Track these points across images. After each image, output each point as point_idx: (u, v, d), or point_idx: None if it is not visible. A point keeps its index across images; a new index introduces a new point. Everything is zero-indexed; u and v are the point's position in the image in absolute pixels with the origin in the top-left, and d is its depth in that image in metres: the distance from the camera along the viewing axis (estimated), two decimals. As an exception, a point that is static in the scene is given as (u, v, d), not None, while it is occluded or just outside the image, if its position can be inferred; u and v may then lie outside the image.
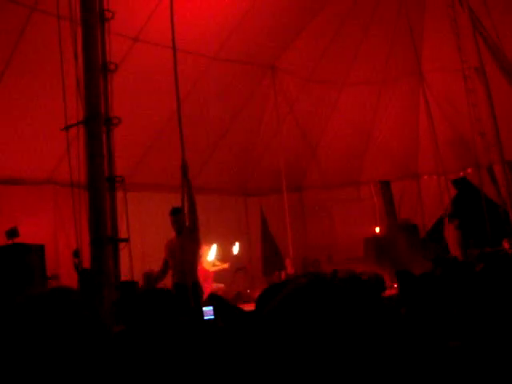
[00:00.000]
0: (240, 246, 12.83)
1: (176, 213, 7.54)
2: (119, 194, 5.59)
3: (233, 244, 12.63)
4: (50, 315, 1.11)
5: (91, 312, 1.18)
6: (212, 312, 3.46)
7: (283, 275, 12.49)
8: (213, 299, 3.77)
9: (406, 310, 3.28)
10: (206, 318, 3.46)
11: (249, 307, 8.17)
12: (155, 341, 2.82)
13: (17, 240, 8.63)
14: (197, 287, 7.37)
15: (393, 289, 9.99)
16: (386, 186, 14.98)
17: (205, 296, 7.89)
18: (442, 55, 13.31)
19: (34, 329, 1.08)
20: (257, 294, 10.13)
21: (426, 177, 15.40)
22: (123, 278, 6.43)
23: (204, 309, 3.48)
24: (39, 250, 8.77)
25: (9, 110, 9.20)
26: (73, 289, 1.27)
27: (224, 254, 12.20)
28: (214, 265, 11.42)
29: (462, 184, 14.93)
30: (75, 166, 5.04)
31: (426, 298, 2.99)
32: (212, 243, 11.60)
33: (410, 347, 2.61)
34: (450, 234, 12.62)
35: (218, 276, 11.58)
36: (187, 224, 7.30)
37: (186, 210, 7.06)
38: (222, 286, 11.72)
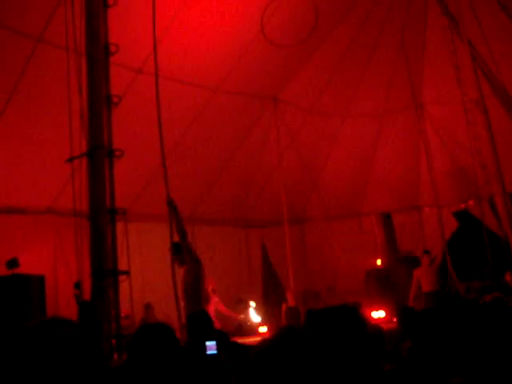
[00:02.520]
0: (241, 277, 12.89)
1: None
2: (120, 225, 5.59)
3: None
4: (42, 346, 1.10)
5: (84, 342, 1.17)
6: (215, 347, 3.41)
7: (284, 307, 12.40)
8: (215, 333, 3.72)
9: (412, 346, 3.25)
10: (208, 352, 3.41)
11: (250, 340, 8.10)
12: (155, 375, 2.79)
13: (17, 270, 8.60)
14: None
15: (392, 323, 9.92)
16: (387, 218, 14.96)
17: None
18: (442, 88, 13.41)
19: (27, 358, 1.07)
20: (258, 326, 10.05)
21: (427, 209, 15.39)
22: (124, 309, 6.40)
23: (206, 343, 3.43)
24: (39, 280, 8.74)
25: (11, 140, 9.24)
26: (66, 319, 1.26)
27: (224, 286, 12.13)
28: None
29: (463, 216, 14.92)
30: (77, 196, 5.05)
31: (430, 334, 2.95)
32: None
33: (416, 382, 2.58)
34: (424, 269, 12.48)
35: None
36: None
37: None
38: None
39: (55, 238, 10.38)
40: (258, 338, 10.35)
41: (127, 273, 5.14)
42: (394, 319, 8.49)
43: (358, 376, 1.03)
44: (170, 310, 11.29)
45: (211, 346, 3.38)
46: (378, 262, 14.69)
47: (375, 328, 5.08)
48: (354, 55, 12.76)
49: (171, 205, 6.89)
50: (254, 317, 12.51)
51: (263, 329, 12.06)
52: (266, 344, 1.08)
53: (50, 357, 1.10)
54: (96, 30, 5.15)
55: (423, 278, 12.24)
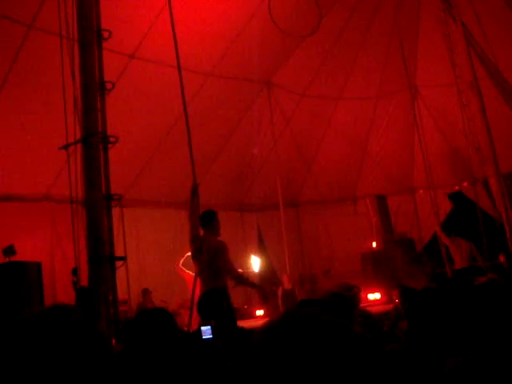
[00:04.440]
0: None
1: None
2: (116, 211, 5.61)
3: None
4: (50, 333, 1.11)
5: (91, 330, 1.19)
6: (210, 331, 3.44)
7: (280, 291, 12.46)
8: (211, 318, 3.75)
9: (408, 325, 3.28)
10: (204, 337, 3.43)
11: (247, 324, 8.16)
12: (153, 361, 2.82)
13: (13, 257, 8.60)
14: None
15: (391, 303, 9.98)
16: (382, 200, 15.00)
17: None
18: (436, 70, 13.40)
19: (35, 346, 1.09)
20: (254, 309, 10.04)
21: (421, 191, 15.44)
22: (121, 295, 6.43)
23: (202, 328, 3.45)
24: (36, 267, 8.74)
25: (5, 128, 9.22)
26: (72, 306, 1.28)
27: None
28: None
29: (457, 198, 14.98)
30: (72, 183, 5.06)
31: (426, 314, 2.99)
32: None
33: (412, 363, 2.62)
34: (461, 247, 12.48)
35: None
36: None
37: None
38: None
39: (52, 225, 10.39)
40: (255, 321, 10.42)
41: (124, 258, 5.16)
42: (397, 300, 8.57)
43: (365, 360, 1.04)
44: (166, 295, 11.38)
45: (206, 331, 3.40)
46: (374, 244, 14.76)
47: (363, 312, 5.12)
48: (347, 38, 12.72)
49: (194, 190, 6.84)
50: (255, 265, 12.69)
51: (260, 312, 12.14)
52: (273, 326, 1.09)
53: (59, 344, 1.11)
54: (88, 16, 5.12)
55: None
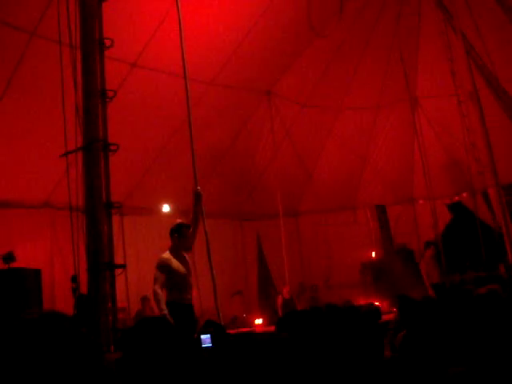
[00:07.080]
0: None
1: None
2: (115, 219, 5.60)
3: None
4: (39, 339, 1.12)
5: (80, 337, 1.19)
6: (210, 340, 3.44)
7: (280, 300, 12.44)
8: (210, 326, 3.74)
9: (406, 335, 3.28)
10: (204, 346, 3.43)
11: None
12: (152, 370, 2.82)
13: (13, 264, 8.59)
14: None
15: (391, 313, 9.98)
16: (381, 210, 15.00)
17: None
18: (436, 81, 13.44)
19: (23, 351, 1.10)
20: (253, 318, 10.04)
21: (421, 201, 15.44)
22: (119, 303, 6.42)
23: (202, 337, 3.45)
24: (36, 274, 8.73)
25: (7, 134, 9.23)
26: (63, 314, 1.29)
27: (219, 278, 12.16)
28: None
29: (457, 208, 14.97)
30: (73, 190, 5.06)
31: (427, 323, 2.99)
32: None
33: (410, 372, 2.62)
34: (426, 261, 12.57)
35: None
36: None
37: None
38: None
39: (52, 232, 10.37)
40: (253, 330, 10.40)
41: (123, 266, 5.17)
42: (394, 309, 8.56)
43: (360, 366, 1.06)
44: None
45: (206, 340, 3.40)
46: (373, 254, 14.74)
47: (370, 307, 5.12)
48: (348, 48, 12.76)
49: (198, 196, 6.91)
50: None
51: (259, 321, 12.11)
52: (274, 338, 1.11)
53: (47, 351, 1.12)
54: (91, 24, 5.16)
55: (430, 271, 12.33)
